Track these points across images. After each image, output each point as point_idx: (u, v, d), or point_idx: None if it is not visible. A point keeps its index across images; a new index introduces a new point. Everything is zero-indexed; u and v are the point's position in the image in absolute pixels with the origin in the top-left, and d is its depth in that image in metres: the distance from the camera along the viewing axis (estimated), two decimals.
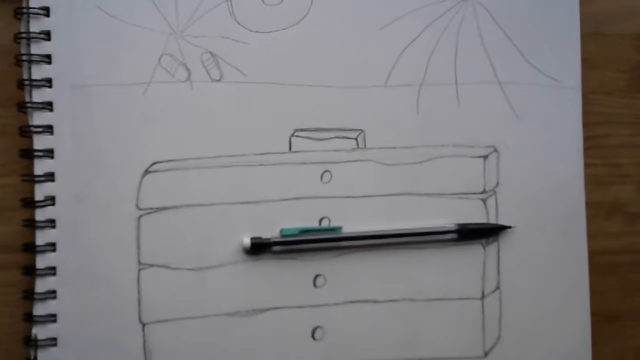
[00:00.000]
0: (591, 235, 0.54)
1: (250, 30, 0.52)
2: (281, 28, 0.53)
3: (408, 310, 0.53)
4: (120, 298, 0.50)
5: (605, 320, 0.55)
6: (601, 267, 0.55)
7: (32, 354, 0.50)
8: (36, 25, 0.51)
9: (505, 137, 0.54)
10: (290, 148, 0.52)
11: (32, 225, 0.50)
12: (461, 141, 0.54)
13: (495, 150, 0.54)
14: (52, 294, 0.50)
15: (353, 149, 0.53)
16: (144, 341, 0.51)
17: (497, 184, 0.54)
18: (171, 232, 0.51)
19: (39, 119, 0.51)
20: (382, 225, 0.52)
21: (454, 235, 0.53)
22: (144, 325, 0.51)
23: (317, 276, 0.52)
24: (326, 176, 0.52)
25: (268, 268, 0.52)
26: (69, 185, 0.50)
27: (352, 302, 0.52)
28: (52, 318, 0.50)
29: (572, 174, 0.54)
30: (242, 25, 0.52)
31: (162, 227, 0.51)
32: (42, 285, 0.50)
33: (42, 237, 0.50)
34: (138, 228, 0.51)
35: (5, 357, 0.51)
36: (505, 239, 0.53)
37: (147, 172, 0.51)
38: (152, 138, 0.51)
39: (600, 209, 0.55)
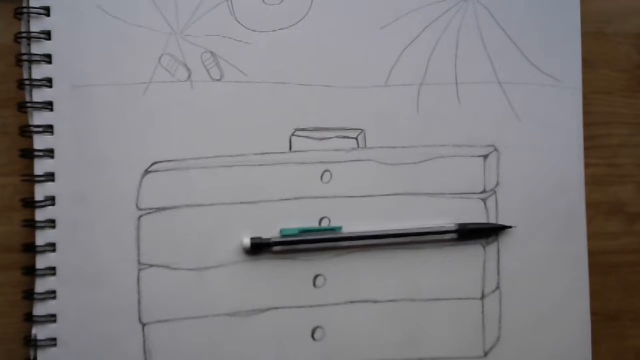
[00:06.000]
0: (591, 235, 0.54)
1: (251, 30, 0.52)
2: (281, 27, 0.53)
3: (408, 310, 0.53)
4: (120, 298, 0.51)
5: (605, 320, 0.55)
6: (601, 267, 0.55)
7: (32, 354, 0.50)
8: (36, 24, 0.51)
9: (505, 137, 0.54)
10: (290, 148, 0.52)
11: (32, 225, 0.50)
12: (461, 141, 0.54)
13: (496, 150, 0.54)
14: (52, 294, 0.50)
15: (353, 149, 0.53)
16: (144, 341, 0.51)
17: (497, 183, 0.54)
18: (171, 232, 0.51)
19: (39, 118, 0.51)
20: (382, 225, 0.52)
21: (453, 235, 0.53)
22: (143, 325, 0.51)
23: (317, 276, 0.52)
24: (326, 176, 0.52)
25: (268, 268, 0.52)
26: (69, 185, 0.51)
27: (352, 302, 0.52)
28: (52, 318, 0.50)
29: (572, 174, 0.54)
30: (242, 25, 0.52)
31: (162, 227, 0.51)
32: (42, 285, 0.50)
33: (42, 237, 0.50)
34: (138, 228, 0.51)
35: (5, 357, 0.51)
36: (505, 239, 0.53)
37: (147, 172, 0.51)
38: (152, 138, 0.51)
39: (600, 209, 0.55)
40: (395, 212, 0.53)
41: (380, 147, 0.53)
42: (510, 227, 0.53)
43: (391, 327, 0.53)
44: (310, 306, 0.52)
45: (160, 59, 0.52)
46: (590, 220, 0.54)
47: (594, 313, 0.54)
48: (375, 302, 0.53)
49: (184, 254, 0.51)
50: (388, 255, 0.53)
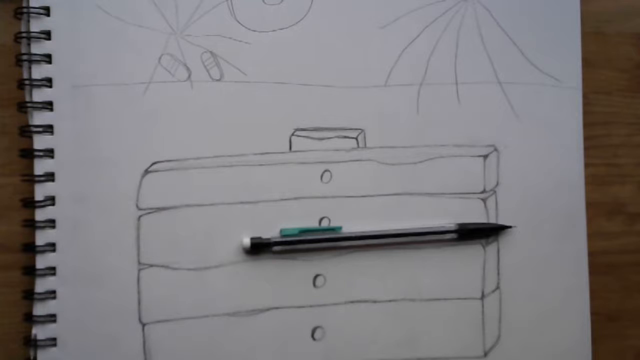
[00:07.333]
0: (591, 235, 0.54)
1: (251, 30, 0.52)
2: (281, 27, 0.53)
3: (408, 310, 0.53)
4: (120, 298, 0.50)
5: (605, 320, 0.55)
6: (601, 267, 0.55)
7: (32, 354, 0.50)
8: (36, 24, 0.51)
9: (506, 137, 0.54)
10: (290, 148, 0.52)
11: (32, 225, 0.50)
12: (461, 141, 0.54)
13: (495, 150, 0.54)
14: (52, 294, 0.50)
15: (353, 149, 0.53)
16: (144, 341, 0.51)
17: (497, 183, 0.54)
18: (171, 232, 0.51)
19: (39, 118, 0.51)
20: (382, 225, 0.52)
21: (453, 235, 0.53)
22: (143, 325, 0.51)
23: (317, 276, 0.52)
24: (326, 176, 0.52)
25: (268, 268, 0.52)
26: (69, 185, 0.50)
27: (352, 302, 0.52)
28: (52, 318, 0.50)
29: (572, 173, 0.54)
30: (242, 25, 0.52)
31: (162, 227, 0.51)
32: (42, 285, 0.50)
33: (42, 237, 0.50)
34: (138, 228, 0.51)
35: (5, 357, 0.51)
36: (505, 239, 0.53)
37: (147, 172, 0.51)
38: (152, 138, 0.51)
39: (600, 209, 0.55)
40: (395, 212, 0.53)
41: (380, 147, 0.53)
42: (510, 227, 0.53)
43: (391, 327, 0.53)
44: (310, 306, 0.52)
45: (160, 59, 0.52)
46: (590, 220, 0.54)
47: (594, 313, 0.54)
48: (375, 302, 0.53)
49: (184, 254, 0.51)
50: (388, 255, 0.53)
